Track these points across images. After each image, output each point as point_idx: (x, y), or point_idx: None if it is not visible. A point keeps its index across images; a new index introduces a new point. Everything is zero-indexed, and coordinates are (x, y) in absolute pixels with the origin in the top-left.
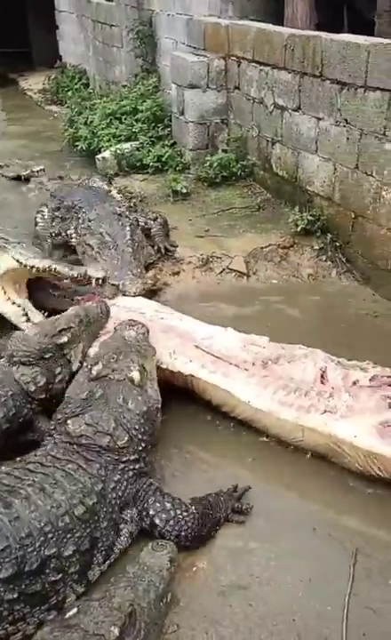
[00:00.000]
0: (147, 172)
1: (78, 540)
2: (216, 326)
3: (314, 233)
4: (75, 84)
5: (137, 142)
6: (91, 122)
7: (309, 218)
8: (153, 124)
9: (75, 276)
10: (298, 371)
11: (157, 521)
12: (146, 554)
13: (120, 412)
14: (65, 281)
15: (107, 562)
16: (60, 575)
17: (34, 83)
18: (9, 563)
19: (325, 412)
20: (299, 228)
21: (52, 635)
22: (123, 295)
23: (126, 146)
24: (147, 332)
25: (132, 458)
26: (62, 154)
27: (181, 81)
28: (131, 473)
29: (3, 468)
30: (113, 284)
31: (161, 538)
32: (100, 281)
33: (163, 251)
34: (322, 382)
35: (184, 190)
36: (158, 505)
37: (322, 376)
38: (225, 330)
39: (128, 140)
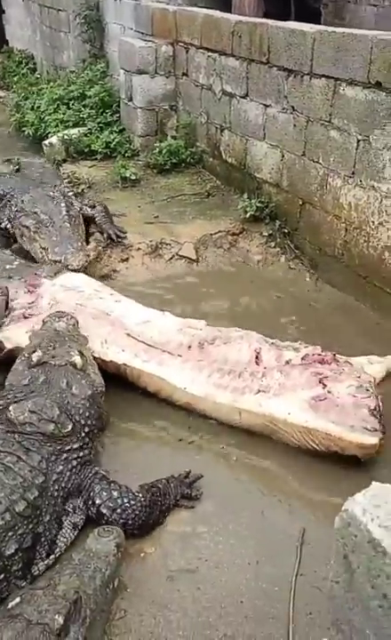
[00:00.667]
0: (96, 159)
1: (20, 538)
2: (153, 310)
3: (262, 220)
4: (22, 68)
5: (85, 128)
6: (38, 107)
7: (258, 205)
8: (101, 110)
9: None
10: (233, 352)
11: (104, 510)
12: (92, 540)
13: (64, 398)
14: None
15: (52, 556)
16: (2, 575)
17: None
18: None
19: (259, 391)
20: (248, 215)
21: None
22: (67, 270)
23: (74, 132)
24: (77, 322)
25: (76, 446)
26: (8, 139)
27: (129, 66)
28: (75, 462)
29: None
30: (55, 260)
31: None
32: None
33: (113, 237)
34: (256, 363)
35: (133, 177)
36: (105, 494)
37: (256, 357)
38: (162, 314)
39: (76, 125)
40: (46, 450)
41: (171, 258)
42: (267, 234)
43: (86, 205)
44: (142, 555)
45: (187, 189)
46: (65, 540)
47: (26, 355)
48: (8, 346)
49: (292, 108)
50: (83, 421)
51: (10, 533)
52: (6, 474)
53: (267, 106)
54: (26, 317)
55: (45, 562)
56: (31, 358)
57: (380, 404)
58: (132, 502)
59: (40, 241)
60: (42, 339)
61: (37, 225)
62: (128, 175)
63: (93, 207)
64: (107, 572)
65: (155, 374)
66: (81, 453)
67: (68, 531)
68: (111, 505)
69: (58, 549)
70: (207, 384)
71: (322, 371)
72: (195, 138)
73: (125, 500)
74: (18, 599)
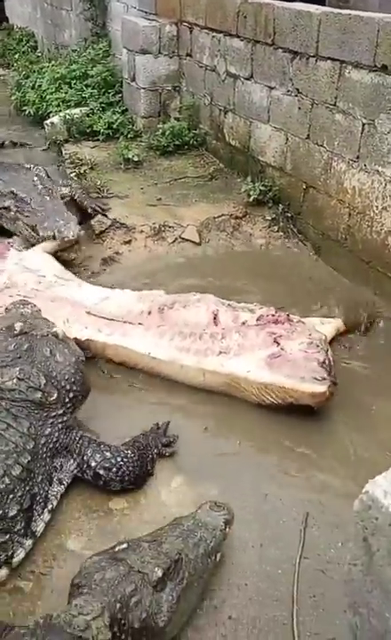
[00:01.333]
0: (98, 139)
1: (20, 499)
2: (115, 289)
3: (266, 203)
4: (23, 46)
5: (87, 108)
6: (40, 86)
7: (261, 188)
8: (103, 90)
9: None
10: (192, 315)
11: (101, 471)
12: (203, 512)
13: (48, 365)
14: None
15: (46, 511)
16: (8, 535)
17: None
18: None
19: (220, 353)
20: (251, 199)
21: (100, 564)
22: (63, 241)
23: (76, 111)
24: (39, 310)
25: (61, 412)
26: (9, 118)
27: (132, 46)
28: (60, 426)
29: None
30: (47, 236)
31: (105, 487)
32: None
33: (98, 210)
34: (214, 324)
35: (136, 158)
36: (98, 456)
37: (214, 318)
38: (122, 291)
39: (78, 105)
40: (34, 416)
41: (174, 241)
42: (270, 218)
43: (61, 186)
44: None
45: (190, 172)
46: (56, 495)
47: (2, 328)
48: None
49: (297, 90)
50: (68, 387)
51: (10, 496)
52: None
53: (271, 88)
54: None
55: (42, 518)
56: (13, 328)
57: (331, 358)
58: (125, 460)
59: (23, 219)
60: (10, 320)
61: (17, 204)
62: (131, 157)
63: (68, 186)
64: (211, 544)
65: (119, 345)
66: (65, 418)
67: (59, 486)
68: (106, 465)
69: (51, 505)
70: (170, 347)
71: (276, 330)
72: (199, 120)
73: (119, 459)
74: (125, 545)
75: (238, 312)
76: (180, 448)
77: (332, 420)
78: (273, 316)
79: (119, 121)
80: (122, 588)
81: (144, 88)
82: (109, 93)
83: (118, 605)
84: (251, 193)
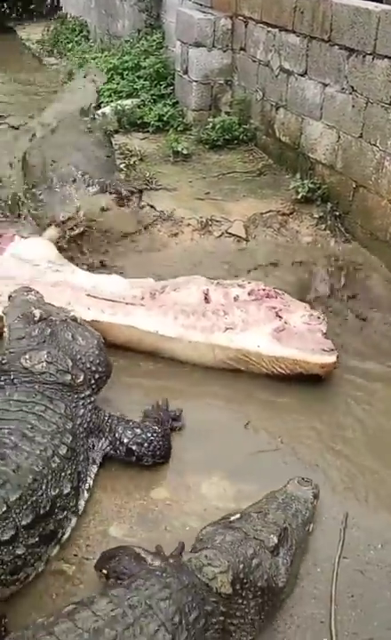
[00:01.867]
0: (148, 131)
1: (71, 477)
2: (108, 275)
3: (314, 201)
4: (76, 36)
5: (138, 99)
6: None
7: (310, 185)
8: (155, 82)
9: None
10: (184, 296)
11: (134, 447)
12: (293, 487)
13: (72, 349)
14: None
15: (86, 490)
16: (65, 512)
17: (32, 33)
18: (27, 509)
19: (227, 329)
20: (299, 196)
21: (217, 532)
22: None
23: (127, 102)
24: (42, 296)
25: (88, 392)
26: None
27: (186, 38)
28: (90, 406)
29: None
30: None
31: (138, 462)
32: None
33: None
34: (206, 302)
35: (185, 152)
36: (130, 432)
37: (205, 297)
38: (109, 277)
39: (129, 96)
40: (66, 398)
41: (221, 235)
42: (317, 216)
43: None
44: (187, 528)
45: (238, 167)
46: (91, 474)
47: (19, 316)
48: None
49: (352, 88)
50: (93, 368)
51: (62, 474)
52: (41, 422)
53: (325, 85)
54: None
55: (84, 497)
56: (32, 315)
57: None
58: (155, 435)
59: None
60: (22, 308)
61: None
62: (180, 149)
63: None
64: (306, 515)
65: (124, 324)
66: (92, 399)
67: (94, 466)
68: (138, 441)
69: (88, 484)
70: (176, 325)
71: (275, 304)
72: (249, 114)
73: (149, 434)
74: (238, 515)
75: (228, 289)
76: (221, 443)
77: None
78: (263, 290)
79: (169, 113)
80: (243, 551)
81: (196, 81)
82: (161, 85)
83: (241, 566)
84: (300, 190)
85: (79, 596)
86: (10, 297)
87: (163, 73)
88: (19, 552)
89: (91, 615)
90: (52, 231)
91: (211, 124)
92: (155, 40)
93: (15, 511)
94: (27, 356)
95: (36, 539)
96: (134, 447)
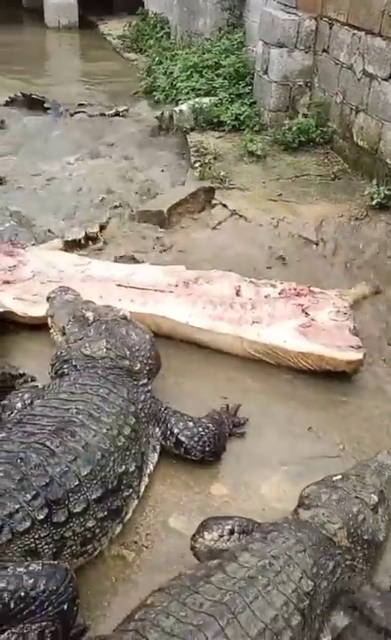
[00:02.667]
0: (224, 130)
1: (135, 457)
2: (133, 264)
3: (389, 208)
4: (157, 32)
5: (216, 98)
6: (171, 73)
7: (387, 192)
8: (234, 81)
9: None
10: (216, 289)
11: (183, 438)
12: (383, 456)
13: (127, 342)
14: None
15: (146, 475)
16: (130, 490)
17: (114, 28)
18: (97, 484)
19: (254, 322)
20: (374, 202)
21: (320, 491)
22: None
23: (205, 100)
24: (79, 294)
25: (144, 381)
26: (137, 102)
27: (269, 39)
28: (149, 394)
29: (36, 402)
30: None
31: (186, 454)
32: None
33: None
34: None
35: (259, 153)
36: (181, 424)
37: (237, 293)
38: (140, 265)
39: (207, 94)
40: (127, 384)
41: (291, 237)
42: None
43: None
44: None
45: (312, 170)
46: (153, 461)
47: (71, 319)
48: None
49: None
50: (146, 360)
51: (127, 453)
52: (106, 403)
53: None
54: (7, 283)
55: (145, 480)
56: (86, 318)
57: (355, 324)
58: (206, 430)
59: None
60: (67, 309)
61: None
62: (255, 150)
63: None
64: None
65: (155, 314)
66: (149, 387)
67: (155, 453)
68: (188, 433)
69: (149, 470)
70: (204, 316)
71: (302, 302)
72: (327, 117)
73: (200, 429)
74: (339, 476)
75: (260, 287)
76: (284, 446)
77: None
78: (294, 289)
79: (246, 113)
80: (349, 508)
81: (275, 82)
82: (240, 85)
83: (351, 522)
84: (375, 196)
85: (137, 582)
86: (48, 298)
87: (242, 72)
88: (89, 524)
89: (240, 567)
90: (57, 243)
91: (287, 126)
92: (236, 39)
93: (86, 485)
94: (86, 345)
95: (105, 513)
96: (183, 439)
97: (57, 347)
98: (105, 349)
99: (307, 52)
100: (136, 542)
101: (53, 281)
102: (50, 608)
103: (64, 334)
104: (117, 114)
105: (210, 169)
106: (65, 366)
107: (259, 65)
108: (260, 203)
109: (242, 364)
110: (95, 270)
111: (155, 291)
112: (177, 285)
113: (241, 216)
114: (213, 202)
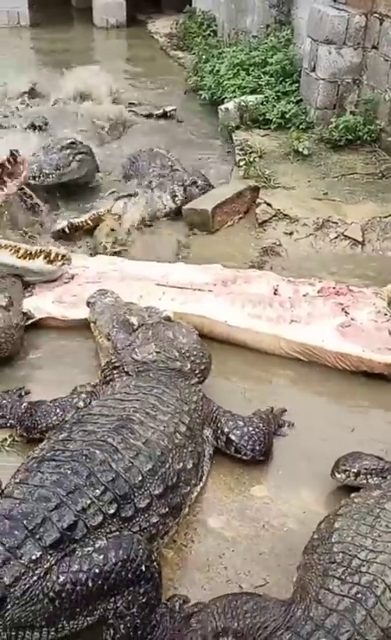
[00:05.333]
0: (269, 128)
1: (192, 454)
2: (166, 264)
3: None
4: (204, 30)
5: (262, 96)
6: (218, 71)
7: None
8: (281, 79)
9: None
10: (255, 288)
11: (233, 437)
12: None
13: (175, 345)
14: None
15: (204, 474)
16: (189, 488)
17: (161, 26)
18: (158, 480)
19: (292, 321)
20: None
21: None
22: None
23: (251, 98)
24: (118, 296)
25: (195, 381)
26: (184, 101)
27: (317, 35)
28: (201, 394)
29: (93, 403)
30: None
31: (236, 453)
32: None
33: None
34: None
35: (305, 152)
36: (231, 423)
37: (275, 292)
38: (176, 265)
39: (253, 92)
40: (179, 384)
41: (336, 237)
42: None
43: None
44: (285, 529)
45: (359, 168)
46: (208, 466)
47: (116, 325)
48: (38, 315)
49: None
50: (197, 361)
51: (184, 451)
52: (161, 403)
53: None
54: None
55: (201, 480)
56: (130, 323)
57: None
58: (257, 430)
59: None
60: (116, 311)
61: None
62: (301, 149)
63: None
64: None
65: (195, 314)
66: (200, 387)
67: (209, 456)
68: (239, 432)
69: (204, 476)
70: (243, 315)
71: (341, 300)
72: (376, 115)
73: (251, 428)
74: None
75: (298, 286)
76: (327, 449)
77: None
78: (333, 288)
79: (292, 111)
80: None
81: (323, 79)
82: (286, 82)
83: None
84: None
85: (177, 581)
86: (88, 303)
87: (289, 70)
88: (153, 520)
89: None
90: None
91: (334, 124)
92: (284, 36)
93: (149, 481)
94: (136, 350)
95: (167, 509)
96: (233, 438)
97: (103, 352)
98: (154, 353)
99: (355, 49)
100: (175, 541)
101: (90, 282)
102: (129, 575)
103: (109, 339)
104: (165, 114)
105: (255, 167)
106: (115, 372)
107: (306, 62)
108: (305, 202)
109: (284, 364)
110: (130, 270)
111: (195, 290)
112: (215, 284)
113: (285, 215)
114: (257, 201)
